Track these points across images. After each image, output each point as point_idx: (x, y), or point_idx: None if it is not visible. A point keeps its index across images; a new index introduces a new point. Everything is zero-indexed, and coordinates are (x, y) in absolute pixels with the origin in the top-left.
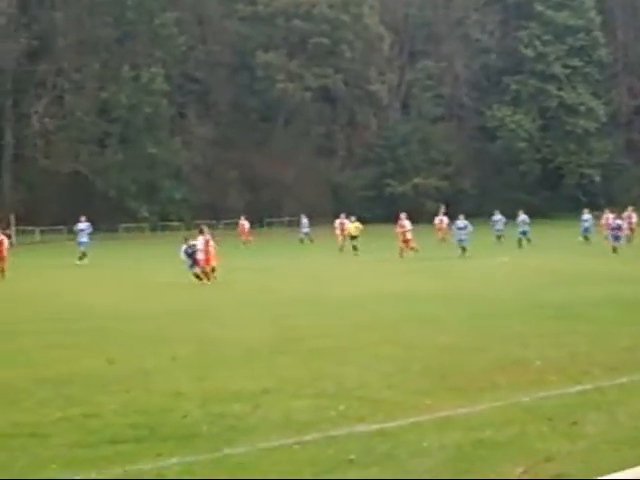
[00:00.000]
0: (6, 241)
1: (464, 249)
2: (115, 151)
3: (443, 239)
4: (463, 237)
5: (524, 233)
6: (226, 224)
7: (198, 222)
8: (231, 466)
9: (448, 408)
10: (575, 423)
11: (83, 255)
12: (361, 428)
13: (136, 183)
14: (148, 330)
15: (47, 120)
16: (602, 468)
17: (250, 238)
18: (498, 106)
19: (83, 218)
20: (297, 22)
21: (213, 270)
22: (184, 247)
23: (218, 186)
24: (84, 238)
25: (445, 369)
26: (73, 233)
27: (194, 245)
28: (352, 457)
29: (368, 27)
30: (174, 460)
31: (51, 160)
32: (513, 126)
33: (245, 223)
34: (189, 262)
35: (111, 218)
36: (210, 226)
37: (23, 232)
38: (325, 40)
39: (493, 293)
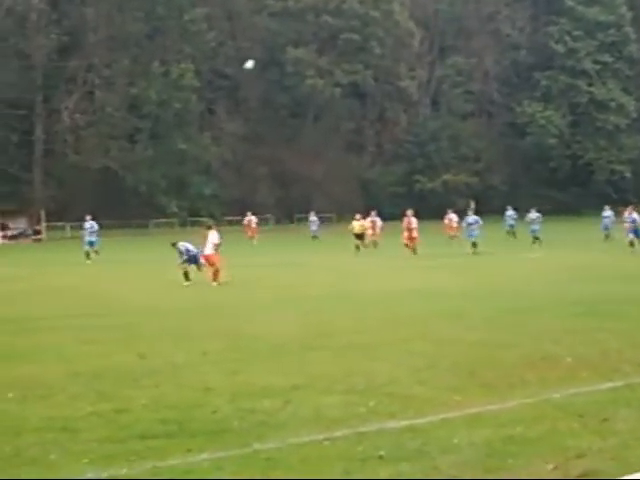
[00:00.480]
0: None
1: (475, 244)
2: (145, 147)
3: (454, 237)
4: (474, 232)
5: (534, 231)
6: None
7: (228, 218)
8: (261, 462)
9: (478, 404)
10: (606, 420)
11: (88, 254)
12: (391, 424)
13: (166, 179)
14: (178, 326)
15: (77, 116)
16: (633, 465)
17: (256, 235)
18: (528, 102)
19: (88, 217)
20: (327, 18)
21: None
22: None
23: (248, 182)
24: (92, 237)
25: (475, 365)
26: (104, 228)
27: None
28: (382, 453)
29: (398, 23)
30: (204, 456)
31: (81, 156)
32: (543, 122)
33: (252, 219)
34: (184, 257)
35: (141, 214)
36: (238, 222)
37: (53, 228)
38: (355, 36)
39: (521, 289)
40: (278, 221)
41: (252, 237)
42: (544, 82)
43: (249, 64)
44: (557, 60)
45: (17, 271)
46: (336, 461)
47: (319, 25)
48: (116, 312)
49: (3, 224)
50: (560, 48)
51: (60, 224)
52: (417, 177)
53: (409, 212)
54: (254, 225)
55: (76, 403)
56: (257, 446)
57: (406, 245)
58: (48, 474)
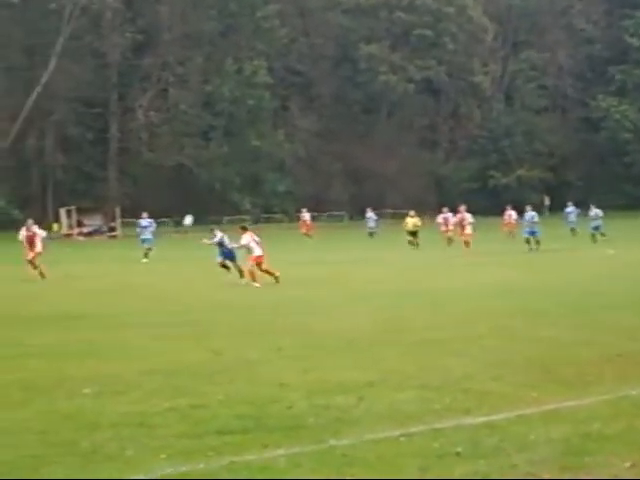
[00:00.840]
0: (41, 233)
1: (538, 242)
2: (219, 144)
3: (511, 233)
4: (535, 229)
5: (597, 228)
6: (329, 216)
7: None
8: (337, 458)
9: (554, 401)
10: None
11: (147, 252)
12: (467, 421)
13: (240, 176)
14: (251, 322)
15: (152, 113)
16: None
17: (311, 232)
18: (603, 97)
19: (145, 214)
20: (400, 14)
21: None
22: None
23: (321, 178)
24: (147, 235)
25: (550, 361)
26: (179, 226)
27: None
28: (459, 450)
29: (471, 18)
30: (280, 451)
31: (155, 153)
32: (618, 117)
33: (307, 216)
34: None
35: (215, 211)
36: (313, 218)
37: (128, 224)
38: (428, 32)
39: (596, 286)
40: (351, 217)
41: (307, 234)
42: (619, 76)
43: (187, 220)
44: (632, 54)
45: (93, 268)
46: (412, 458)
47: (392, 21)
48: (190, 309)
49: (79, 221)
50: (635, 42)
51: (135, 221)
52: (491, 172)
53: (462, 208)
54: (309, 222)
55: (152, 399)
56: (333, 442)
57: (465, 242)
58: (126, 470)
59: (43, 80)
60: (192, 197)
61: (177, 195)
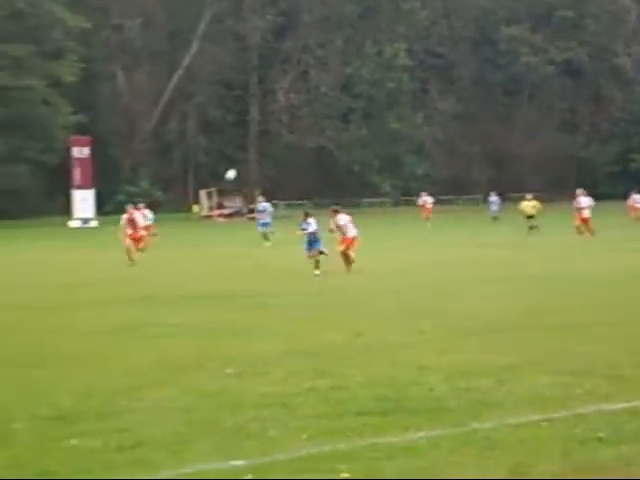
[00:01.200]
0: (140, 218)
1: None
2: (358, 126)
3: (638, 219)
4: None
5: None
6: (467, 199)
7: (441, 197)
8: (479, 441)
9: None
10: None
11: (266, 237)
12: (608, 406)
13: (379, 158)
14: (390, 305)
15: (292, 95)
16: None
17: (430, 216)
18: None
19: (261, 198)
20: None
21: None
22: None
23: (460, 161)
24: (267, 219)
25: None
26: (319, 207)
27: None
28: (601, 435)
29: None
30: (421, 434)
31: (296, 135)
32: None
33: (427, 199)
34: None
35: (354, 193)
36: (450, 201)
37: None
38: (570, 13)
39: None
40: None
41: (427, 218)
42: None
43: (230, 174)
44: None
45: (234, 249)
46: (554, 442)
47: (533, 2)
48: (327, 290)
49: (219, 203)
50: None
51: (275, 203)
52: (633, 156)
53: (579, 191)
54: (429, 206)
55: (293, 380)
56: (475, 425)
57: (577, 227)
58: (268, 449)
59: (185, 63)
60: (331, 179)
61: (316, 177)
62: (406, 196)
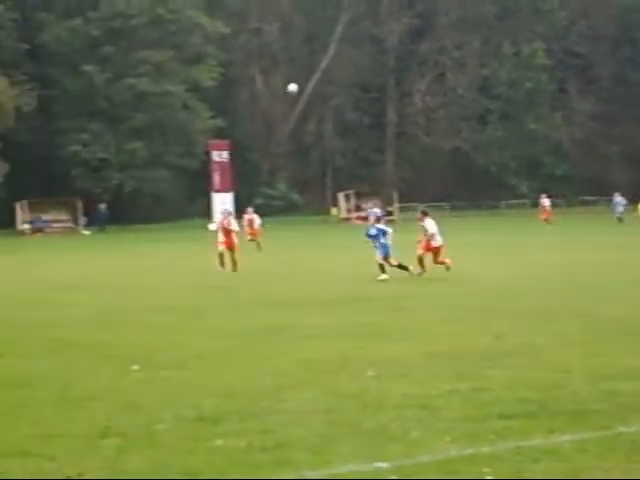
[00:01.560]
0: (234, 223)
1: None
2: (495, 127)
3: None
4: None
5: None
6: (608, 200)
7: (583, 198)
8: (625, 444)
9: None
10: None
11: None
12: None
13: (516, 159)
14: (534, 306)
15: (428, 98)
16: None
17: (550, 217)
18: None
19: (371, 204)
20: None
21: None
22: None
23: (599, 162)
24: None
25: None
26: (456, 209)
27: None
28: None
29: None
30: (566, 437)
31: (432, 137)
32: None
33: (546, 202)
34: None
35: (492, 194)
36: (590, 202)
37: (405, 209)
38: None
39: None
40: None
41: (547, 220)
42: None
43: (292, 87)
44: None
45: (370, 252)
46: None
47: None
48: (469, 293)
49: (357, 205)
50: None
51: (412, 205)
52: None
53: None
54: (548, 208)
55: (435, 381)
56: (621, 429)
57: None
58: (411, 451)
59: (322, 66)
60: (468, 181)
61: (452, 179)
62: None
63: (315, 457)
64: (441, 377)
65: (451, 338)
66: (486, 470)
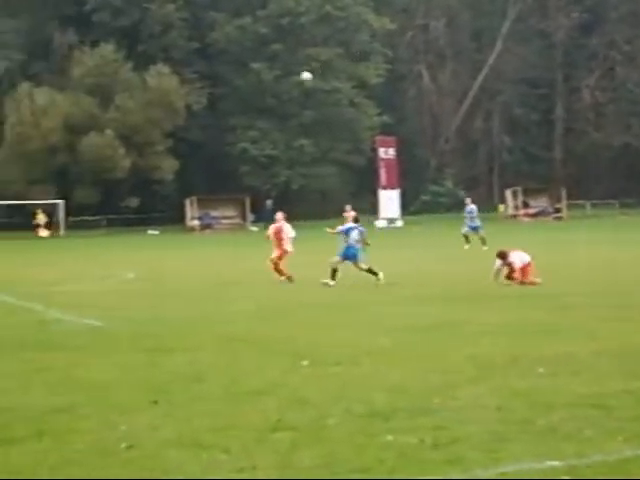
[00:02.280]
0: (289, 228)
1: None
2: None
3: None
4: None
5: None
6: None
7: None
8: None
9: None
10: None
11: (467, 238)
12: None
13: None
14: None
15: (598, 93)
16: None
17: None
18: None
19: (468, 200)
20: None
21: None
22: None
23: None
24: (476, 222)
25: None
26: (626, 207)
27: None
28: None
29: None
30: None
31: (601, 133)
32: None
33: None
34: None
35: None
36: None
37: (574, 206)
38: None
39: None
40: None
41: None
42: None
43: (306, 76)
44: None
45: (539, 248)
46: None
47: None
48: (634, 292)
49: (525, 202)
50: None
51: (580, 202)
52: None
53: None
54: None
55: (606, 380)
56: None
57: None
58: (584, 450)
59: (489, 62)
60: (638, 178)
61: (622, 176)
62: None
63: (486, 455)
64: (612, 376)
65: (620, 336)
66: None
